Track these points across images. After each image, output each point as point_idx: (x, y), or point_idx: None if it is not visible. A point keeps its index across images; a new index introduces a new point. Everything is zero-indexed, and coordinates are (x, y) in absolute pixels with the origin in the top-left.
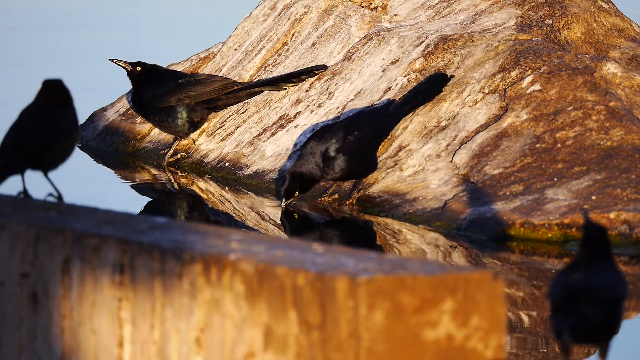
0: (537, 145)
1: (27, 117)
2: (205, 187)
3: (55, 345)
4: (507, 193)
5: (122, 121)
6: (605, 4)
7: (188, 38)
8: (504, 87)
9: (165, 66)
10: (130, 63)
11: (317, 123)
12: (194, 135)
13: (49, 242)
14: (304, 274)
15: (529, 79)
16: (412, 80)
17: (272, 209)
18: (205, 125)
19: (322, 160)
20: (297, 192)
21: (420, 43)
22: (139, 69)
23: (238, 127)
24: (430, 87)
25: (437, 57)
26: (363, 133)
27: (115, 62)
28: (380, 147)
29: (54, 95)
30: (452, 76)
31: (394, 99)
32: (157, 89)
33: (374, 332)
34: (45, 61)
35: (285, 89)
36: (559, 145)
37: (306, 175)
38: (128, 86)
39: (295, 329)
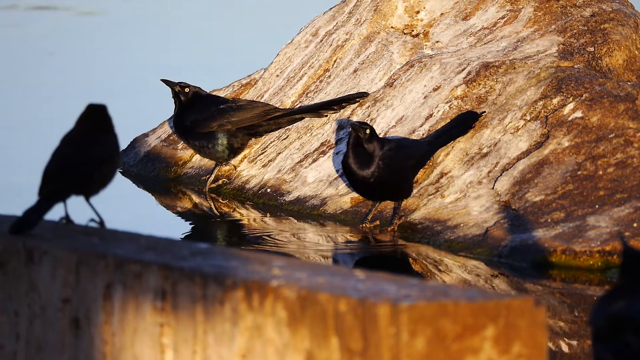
0: (579, 172)
1: (68, 145)
2: (247, 213)
3: None
4: (549, 220)
5: (163, 147)
6: None
7: (230, 64)
8: (545, 114)
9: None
10: (179, 84)
11: None
12: (235, 161)
13: (91, 268)
14: (345, 300)
15: (570, 106)
16: (454, 107)
17: (314, 235)
18: (246, 151)
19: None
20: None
21: (462, 70)
22: (187, 90)
23: (279, 153)
24: (460, 124)
25: (479, 84)
26: (409, 155)
27: (166, 83)
28: (421, 173)
29: (96, 120)
30: (484, 112)
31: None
32: (199, 114)
33: (415, 358)
34: (84, 86)
35: (327, 115)
36: (601, 172)
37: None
38: (169, 112)
39: (337, 355)
